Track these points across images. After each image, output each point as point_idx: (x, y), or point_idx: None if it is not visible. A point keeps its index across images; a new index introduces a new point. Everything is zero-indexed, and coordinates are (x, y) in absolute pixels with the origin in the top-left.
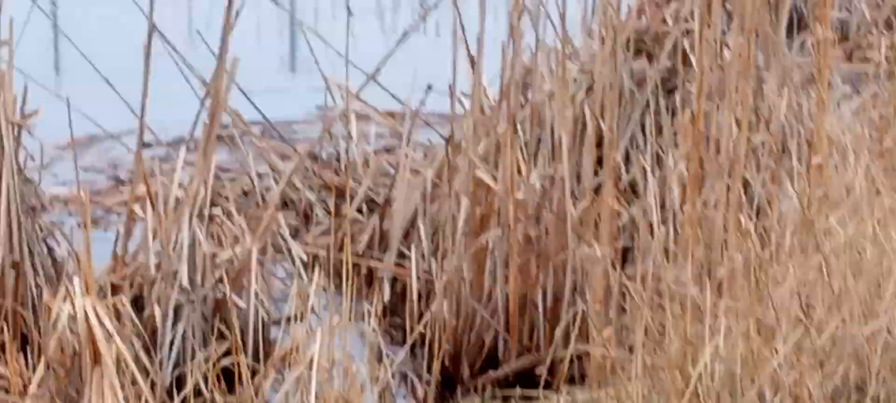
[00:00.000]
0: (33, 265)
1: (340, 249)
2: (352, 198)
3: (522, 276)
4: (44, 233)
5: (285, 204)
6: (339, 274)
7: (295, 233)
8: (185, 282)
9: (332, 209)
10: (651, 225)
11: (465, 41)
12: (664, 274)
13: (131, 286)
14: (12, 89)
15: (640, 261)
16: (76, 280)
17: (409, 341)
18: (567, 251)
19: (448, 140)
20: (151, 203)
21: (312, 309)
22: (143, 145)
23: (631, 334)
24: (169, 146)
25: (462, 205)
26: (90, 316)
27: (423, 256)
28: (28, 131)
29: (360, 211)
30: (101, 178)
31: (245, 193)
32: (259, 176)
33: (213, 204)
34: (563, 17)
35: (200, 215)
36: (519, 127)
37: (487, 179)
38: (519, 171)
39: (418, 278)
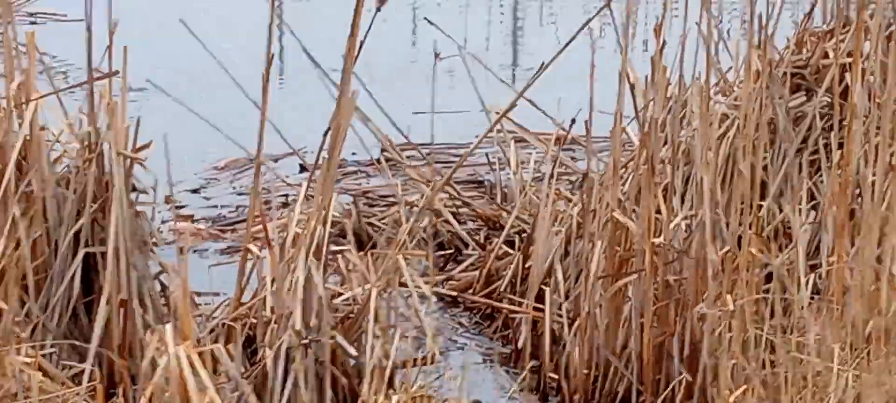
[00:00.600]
0: (143, 304)
1: (486, 285)
2: (501, 229)
3: (660, 324)
4: (158, 270)
5: (433, 235)
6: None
7: (444, 265)
8: (298, 325)
9: (482, 243)
10: (799, 277)
11: (628, 71)
12: (808, 329)
13: (245, 328)
14: (125, 120)
15: (784, 314)
16: (168, 327)
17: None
18: (707, 300)
19: (583, 179)
20: (267, 241)
21: (445, 350)
22: (302, 169)
23: (772, 391)
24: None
25: (596, 249)
26: (183, 365)
27: (562, 298)
28: (140, 164)
29: (511, 243)
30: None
31: (397, 223)
32: (410, 205)
33: (342, 237)
34: (709, 47)
35: (317, 253)
36: (666, 166)
37: (625, 221)
38: (660, 213)
39: (555, 322)
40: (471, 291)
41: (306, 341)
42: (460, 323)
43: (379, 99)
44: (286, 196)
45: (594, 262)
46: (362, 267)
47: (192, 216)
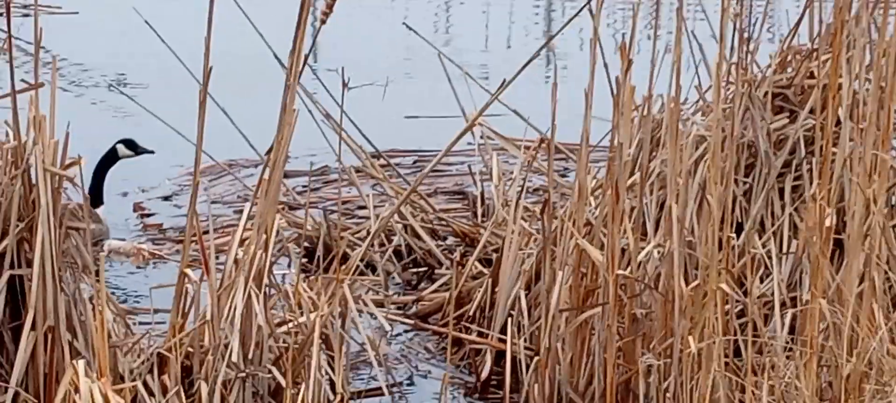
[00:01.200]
0: (73, 331)
1: (457, 306)
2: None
3: (625, 361)
4: (90, 294)
5: (407, 251)
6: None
7: (417, 283)
8: (235, 357)
9: (459, 259)
10: (766, 316)
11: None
12: (780, 371)
13: (181, 357)
14: (53, 134)
15: (757, 353)
16: (82, 362)
17: None
18: (675, 336)
19: (543, 207)
20: (205, 267)
21: (407, 378)
22: (285, 175)
23: None
24: (312, 175)
25: (557, 279)
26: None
27: (526, 329)
28: (69, 181)
29: (490, 260)
30: (227, 211)
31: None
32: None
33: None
34: (678, 63)
35: (259, 279)
36: (637, 193)
37: (591, 252)
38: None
39: (516, 354)
40: (441, 314)
41: (244, 374)
42: (427, 348)
43: (372, 102)
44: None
45: (555, 294)
46: (310, 292)
47: (161, 224)
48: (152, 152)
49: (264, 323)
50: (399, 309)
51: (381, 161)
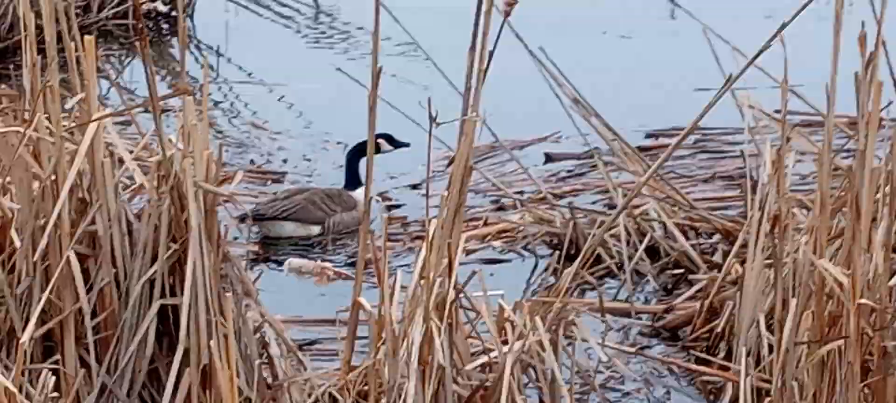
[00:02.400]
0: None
1: (707, 320)
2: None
3: (875, 398)
4: (256, 326)
5: (658, 253)
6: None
7: (672, 288)
8: (411, 401)
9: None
10: None
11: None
12: None
13: (354, 396)
14: (206, 143)
15: None
16: None
17: None
18: None
19: (773, 223)
20: (382, 296)
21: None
22: (548, 159)
23: None
24: (580, 158)
25: (790, 307)
26: None
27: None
28: (231, 199)
29: None
30: (482, 202)
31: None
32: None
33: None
34: None
35: (440, 308)
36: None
37: (832, 273)
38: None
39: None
40: (691, 327)
41: None
42: (671, 369)
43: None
44: (522, 192)
45: (788, 323)
46: (515, 316)
47: (404, 218)
48: (408, 145)
49: (447, 360)
50: (650, 318)
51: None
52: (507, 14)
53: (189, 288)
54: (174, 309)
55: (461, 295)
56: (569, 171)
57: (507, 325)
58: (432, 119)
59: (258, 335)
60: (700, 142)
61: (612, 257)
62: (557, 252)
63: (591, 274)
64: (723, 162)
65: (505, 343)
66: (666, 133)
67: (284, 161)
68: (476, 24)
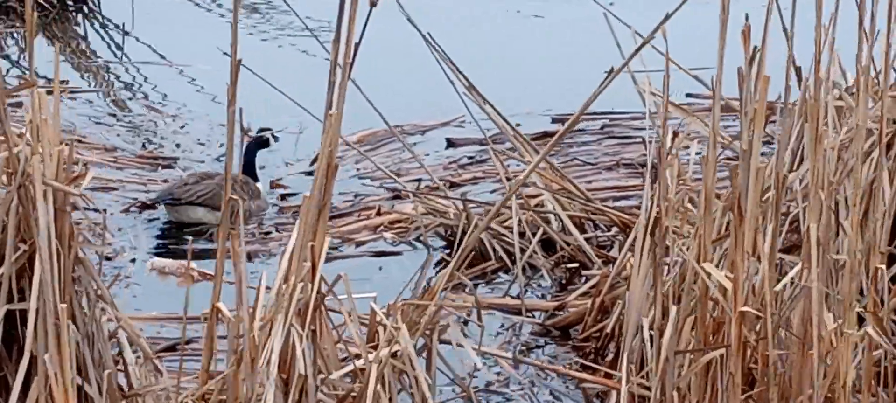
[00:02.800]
0: (84, 375)
1: (598, 319)
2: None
3: None
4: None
5: (554, 246)
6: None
7: (566, 284)
8: None
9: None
10: None
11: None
12: None
13: None
14: (56, 140)
15: None
16: None
17: None
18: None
19: (654, 224)
20: (239, 299)
21: None
22: (449, 144)
23: None
24: (482, 144)
25: (670, 314)
26: None
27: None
28: (80, 199)
29: None
30: (378, 191)
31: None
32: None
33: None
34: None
35: (302, 314)
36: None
37: (716, 277)
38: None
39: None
40: (581, 326)
41: None
42: (558, 371)
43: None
44: (419, 181)
45: (668, 330)
46: (387, 319)
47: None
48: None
49: (308, 369)
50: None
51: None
52: (373, 4)
53: (36, 291)
54: (24, 313)
55: (327, 298)
56: (470, 158)
57: (380, 329)
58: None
59: (113, 340)
60: (607, 127)
61: (506, 251)
62: (451, 244)
63: (485, 269)
64: (629, 148)
65: (374, 348)
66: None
67: (177, 145)
68: (340, 12)
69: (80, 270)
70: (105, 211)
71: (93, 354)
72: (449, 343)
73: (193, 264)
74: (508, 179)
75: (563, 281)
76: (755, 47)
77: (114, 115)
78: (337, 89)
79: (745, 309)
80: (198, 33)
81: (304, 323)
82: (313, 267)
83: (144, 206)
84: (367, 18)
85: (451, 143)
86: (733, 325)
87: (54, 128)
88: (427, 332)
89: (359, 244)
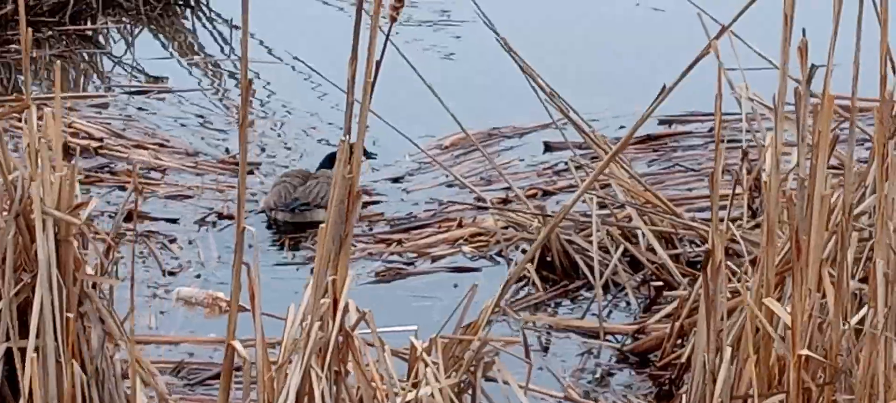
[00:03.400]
0: None
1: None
2: None
3: None
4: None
5: (635, 265)
6: None
7: (649, 305)
8: None
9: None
10: None
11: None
12: None
13: None
14: (59, 167)
15: None
16: None
17: None
18: None
19: (706, 259)
20: (260, 339)
21: None
22: (547, 148)
23: None
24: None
25: (724, 357)
26: None
27: None
28: (82, 229)
29: None
30: (468, 198)
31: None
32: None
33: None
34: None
35: (321, 356)
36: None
37: (776, 312)
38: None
39: None
40: (660, 352)
41: None
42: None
43: None
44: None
45: (721, 374)
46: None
47: (382, 214)
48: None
49: None
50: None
51: None
52: (394, 19)
53: (34, 330)
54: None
55: (353, 333)
56: (566, 164)
57: (420, 365)
58: None
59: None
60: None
61: (590, 268)
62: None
63: (569, 287)
64: (736, 153)
65: (415, 386)
66: (681, 119)
67: (262, 149)
68: (356, 30)
69: (87, 305)
70: (177, 221)
71: (101, 395)
72: (495, 380)
73: (220, 294)
74: (602, 188)
75: (646, 304)
76: (812, 66)
77: (201, 115)
78: (357, 113)
79: (804, 352)
80: (318, 29)
81: (324, 363)
82: (334, 304)
83: (221, 216)
84: (386, 38)
85: (548, 147)
86: (792, 369)
87: (57, 150)
88: (471, 368)
89: (435, 259)
